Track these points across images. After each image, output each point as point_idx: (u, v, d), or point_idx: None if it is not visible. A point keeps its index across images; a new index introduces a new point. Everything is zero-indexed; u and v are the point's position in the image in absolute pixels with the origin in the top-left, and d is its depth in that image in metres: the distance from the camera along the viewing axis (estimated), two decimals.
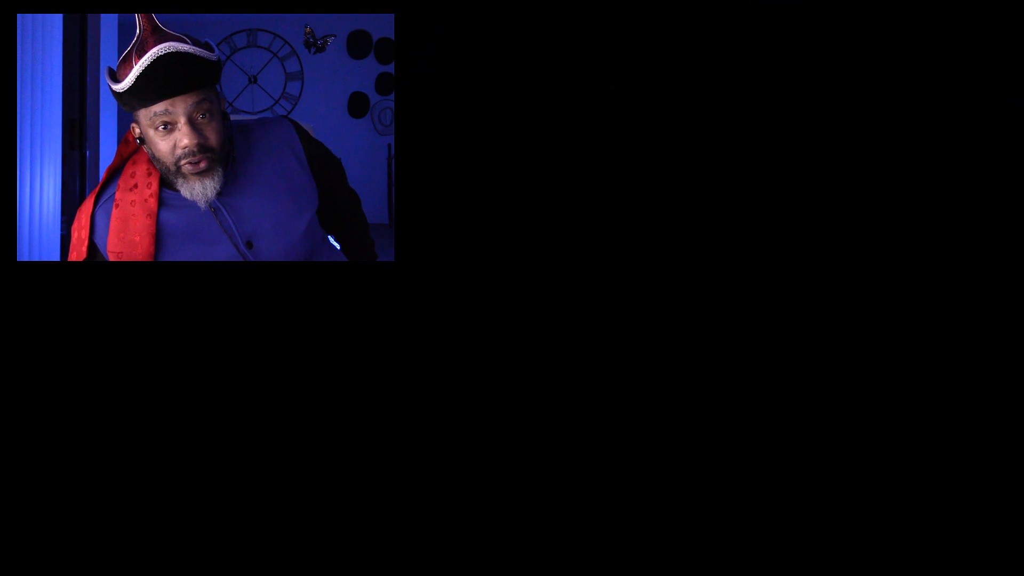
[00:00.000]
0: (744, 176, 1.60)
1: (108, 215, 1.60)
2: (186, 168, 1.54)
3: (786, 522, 1.57)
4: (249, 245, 1.62)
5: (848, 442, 1.58)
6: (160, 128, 1.53)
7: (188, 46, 1.52)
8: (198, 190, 1.56)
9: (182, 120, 1.52)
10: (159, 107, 1.52)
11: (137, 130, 1.58)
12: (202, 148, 1.54)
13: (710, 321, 1.59)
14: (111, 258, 1.60)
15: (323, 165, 1.75)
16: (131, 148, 1.66)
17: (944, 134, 1.60)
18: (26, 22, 3.00)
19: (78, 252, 1.62)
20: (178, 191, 1.58)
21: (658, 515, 1.57)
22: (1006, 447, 1.57)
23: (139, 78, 1.50)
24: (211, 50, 1.57)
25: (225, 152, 1.59)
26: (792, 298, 1.60)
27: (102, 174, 1.68)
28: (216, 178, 1.57)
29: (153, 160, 1.58)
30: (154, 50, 1.50)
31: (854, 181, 1.61)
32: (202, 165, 1.54)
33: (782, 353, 1.59)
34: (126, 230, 1.58)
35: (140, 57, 1.51)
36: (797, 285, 1.60)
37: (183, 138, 1.53)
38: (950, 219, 1.59)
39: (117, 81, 1.54)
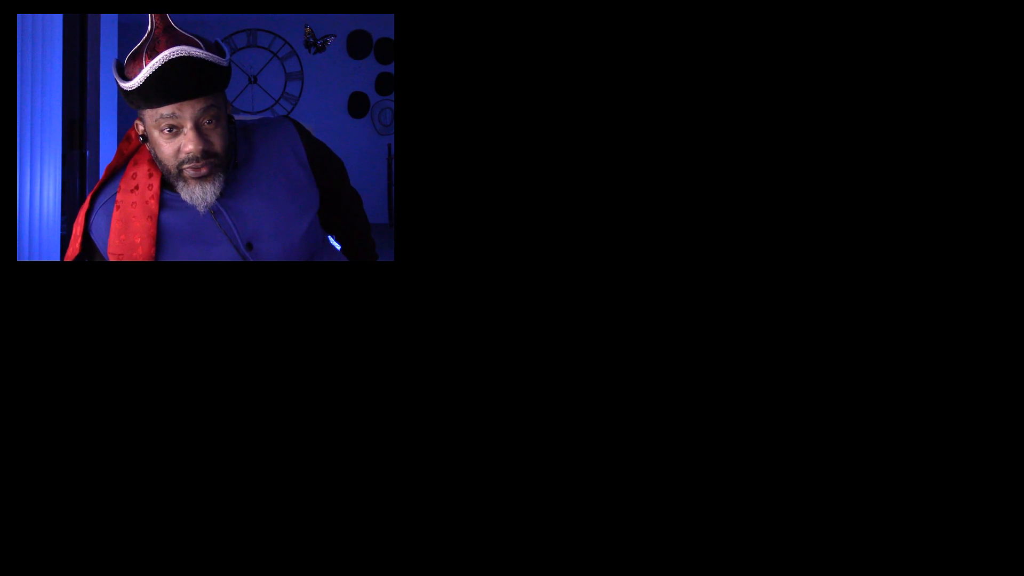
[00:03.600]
0: (747, 176, 1.60)
1: (109, 216, 1.60)
2: (188, 172, 1.53)
3: (786, 522, 1.58)
4: (249, 247, 1.62)
5: (849, 443, 1.59)
6: (166, 131, 1.52)
7: (201, 51, 1.51)
8: (198, 194, 1.55)
9: (188, 125, 1.51)
10: (166, 110, 1.50)
11: (141, 127, 1.57)
12: (206, 154, 1.52)
13: (712, 322, 1.59)
14: (112, 259, 1.60)
15: (325, 166, 1.75)
16: (133, 146, 1.64)
17: (943, 134, 1.60)
18: (26, 22, 3.00)
19: (73, 247, 1.62)
20: (179, 192, 1.58)
21: (659, 515, 1.58)
22: (1006, 447, 1.57)
23: (148, 80, 1.49)
24: (222, 53, 1.56)
25: (228, 157, 1.58)
26: (793, 299, 1.60)
27: (102, 174, 1.68)
28: (216, 183, 1.55)
29: (155, 160, 1.57)
30: (166, 52, 1.48)
31: (853, 181, 1.61)
32: (203, 171, 1.53)
33: (786, 355, 1.59)
34: (127, 231, 1.58)
35: (151, 58, 1.49)
36: (798, 286, 1.60)
37: (188, 144, 1.51)
38: (950, 219, 1.60)
39: (125, 78, 1.52)
